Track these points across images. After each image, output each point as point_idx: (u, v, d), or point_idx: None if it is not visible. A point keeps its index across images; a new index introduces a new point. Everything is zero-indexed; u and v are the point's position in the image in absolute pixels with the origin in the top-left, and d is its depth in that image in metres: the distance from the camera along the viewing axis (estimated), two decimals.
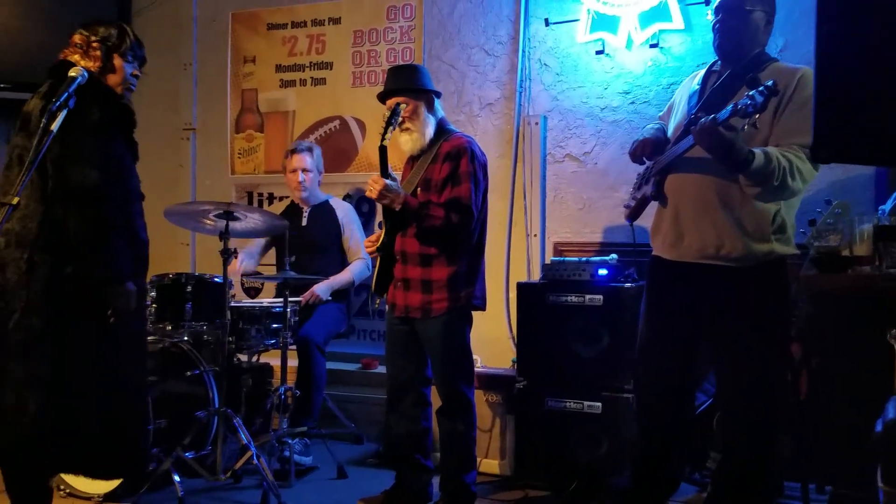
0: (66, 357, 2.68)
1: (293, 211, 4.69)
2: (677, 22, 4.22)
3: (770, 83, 2.59)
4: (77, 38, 2.90)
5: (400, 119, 3.32)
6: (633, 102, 4.38)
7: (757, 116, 2.60)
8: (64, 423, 2.68)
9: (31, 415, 2.62)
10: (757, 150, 2.73)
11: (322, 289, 4.42)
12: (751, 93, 2.60)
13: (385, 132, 3.26)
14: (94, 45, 2.88)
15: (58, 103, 2.49)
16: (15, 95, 4.85)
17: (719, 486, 3.12)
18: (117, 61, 2.91)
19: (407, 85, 3.40)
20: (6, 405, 2.63)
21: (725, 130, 2.70)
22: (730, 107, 2.67)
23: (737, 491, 3.01)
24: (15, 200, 2.34)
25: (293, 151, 4.58)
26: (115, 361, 2.81)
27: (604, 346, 3.62)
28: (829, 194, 3.41)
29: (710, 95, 2.99)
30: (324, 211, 4.66)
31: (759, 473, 2.96)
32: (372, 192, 3.26)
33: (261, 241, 4.74)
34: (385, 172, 3.27)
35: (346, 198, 4.97)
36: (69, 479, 3.46)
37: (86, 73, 2.64)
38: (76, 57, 2.85)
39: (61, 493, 3.48)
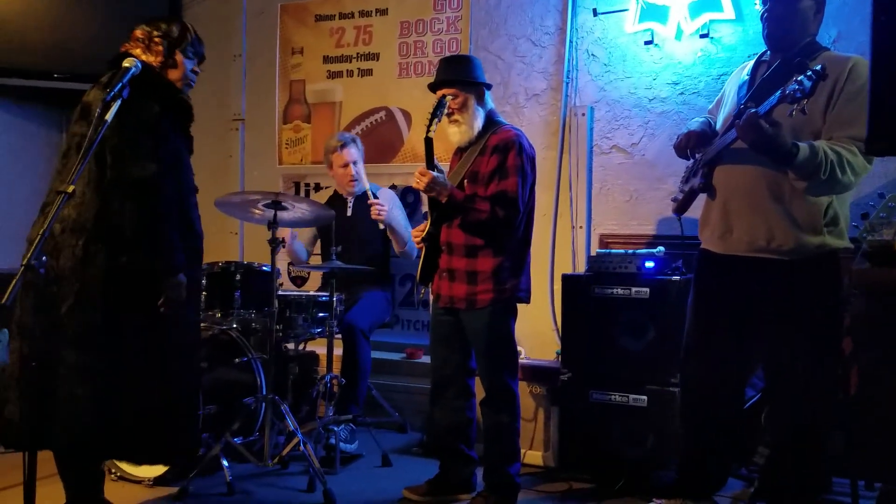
0: (120, 347, 2.73)
1: (337, 201, 4.70)
2: (728, 12, 4.16)
3: (818, 67, 2.54)
4: (139, 32, 2.94)
5: (448, 111, 3.33)
6: (682, 93, 4.33)
7: (805, 101, 2.56)
8: (114, 413, 2.72)
9: (83, 404, 2.67)
10: (802, 144, 2.69)
11: (390, 211, 4.38)
12: (799, 77, 2.56)
13: (430, 124, 3.27)
14: (157, 39, 2.92)
15: (112, 93, 2.52)
16: (73, 86, 4.97)
17: (767, 481, 3.09)
18: (178, 57, 2.95)
19: (457, 76, 3.39)
20: (58, 393, 2.68)
21: (767, 125, 2.66)
22: (777, 93, 2.63)
23: (785, 487, 2.97)
24: (70, 189, 2.38)
25: (343, 146, 4.54)
26: (165, 352, 2.86)
27: (649, 340, 3.60)
28: (883, 187, 3.35)
29: (760, 85, 2.95)
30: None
31: (807, 469, 2.92)
32: (419, 183, 3.27)
33: (309, 233, 4.77)
34: (431, 164, 3.27)
35: (392, 188, 4.98)
36: (120, 463, 3.55)
37: (139, 64, 2.66)
38: (138, 51, 2.89)
39: (112, 476, 3.56)
